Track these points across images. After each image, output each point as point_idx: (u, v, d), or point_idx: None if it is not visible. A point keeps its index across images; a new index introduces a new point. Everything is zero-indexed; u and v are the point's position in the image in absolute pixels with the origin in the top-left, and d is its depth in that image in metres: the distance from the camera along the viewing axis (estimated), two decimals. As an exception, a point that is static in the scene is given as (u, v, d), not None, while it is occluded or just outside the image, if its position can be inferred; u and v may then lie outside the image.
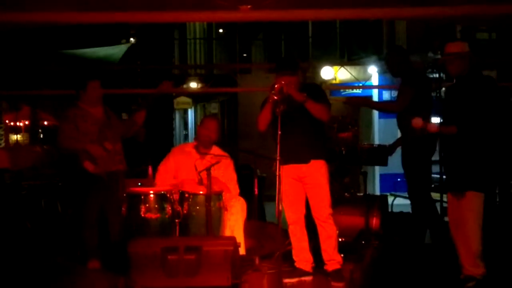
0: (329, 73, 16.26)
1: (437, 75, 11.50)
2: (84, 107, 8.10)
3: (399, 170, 8.73)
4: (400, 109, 8.45)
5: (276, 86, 7.07)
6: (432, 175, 8.73)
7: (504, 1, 7.75)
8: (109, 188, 7.91)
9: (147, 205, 7.43)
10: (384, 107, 10.29)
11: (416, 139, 7.78)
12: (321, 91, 7.67)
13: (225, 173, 8.10)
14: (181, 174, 8.09)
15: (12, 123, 23.73)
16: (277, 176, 6.97)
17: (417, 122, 6.90)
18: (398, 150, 8.96)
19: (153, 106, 8.33)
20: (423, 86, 8.55)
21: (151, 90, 13.68)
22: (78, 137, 7.92)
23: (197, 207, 7.53)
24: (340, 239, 7.86)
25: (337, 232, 7.59)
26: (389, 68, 8.98)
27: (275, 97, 7.02)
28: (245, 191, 8.33)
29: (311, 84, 8.22)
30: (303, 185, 7.47)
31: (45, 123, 24.10)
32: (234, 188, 8.21)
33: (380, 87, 17.62)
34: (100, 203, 8.00)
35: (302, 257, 7.58)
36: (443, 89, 10.17)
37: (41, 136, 23.59)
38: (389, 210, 9.69)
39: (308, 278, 7.53)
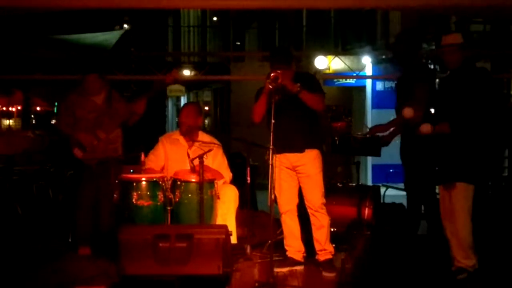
0: (323, 62, 16.19)
1: (431, 66, 11.50)
2: (85, 93, 8.16)
3: (392, 161, 8.74)
4: (421, 114, 8.26)
5: (272, 74, 7.05)
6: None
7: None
8: (101, 175, 7.91)
9: (139, 192, 7.38)
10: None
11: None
12: (315, 81, 7.65)
13: (215, 159, 8.06)
14: (171, 163, 8.05)
15: (4, 108, 23.67)
16: (270, 165, 6.96)
17: (408, 112, 6.86)
18: (393, 142, 8.96)
19: (154, 96, 8.32)
20: (430, 78, 8.45)
21: (146, 76, 13.68)
22: (73, 123, 8.04)
23: (189, 195, 7.50)
24: (332, 229, 7.85)
25: (330, 222, 7.59)
26: (399, 51, 8.65)
27: (271, 86, 7.00)
28: (237, 180, 8.30)
29: (305, 73, 8.18)
30: (297, 174, 7.46)
31: (38, 108, 24.07)
32: (227, 173, 8.17)
33: (374, 77, 17.58)
34: (94, 189, 8.01)
35: (294, 247, 7.57)
36: (437, 80, 10.17)
37: (33, 121, 23.55)
38: (382, 200, 9.68)
39: (300, 268, 7.53)
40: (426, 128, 6.81)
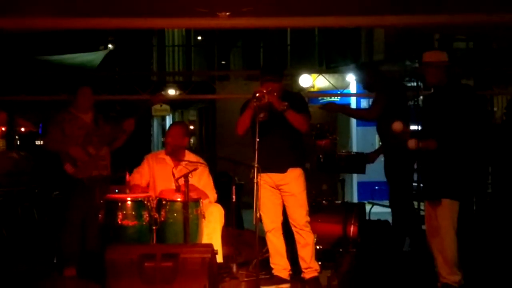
0: (308, 81, 16.27)
1: (415, 84, 11.55)
2: (74, 112, 8.20)
3: (377, 178, 8.77)
4: (373, 116, 8.62)
5: (257, 94, 7.08)
6: (410, 184, 8.78)
7: (482, 10, 7.80)
8: (90, 193, 7.88)
9: (124, 212, 7.36)
10: (358, 114, 10.61)
11: (398, 147, 7.79)
12: (303, 102, 7.68)
13: (201, 179, 8.06)
14: (157, 182, 8.05)
15: (-12, 130, 23.52)
16: (255, 184, 6.97)
17: (398, 126, 6.89)
18: (378, 159, 9.03)
19: (143, 115, 8.35)
20: (397, 94, 8.66)
21: (131, 96, 13.69)
22: (62, 140, 8.00)
23: (175, 214, 7.48)
24: (317, 247, 7.87)
25: (315, 239, 7.59)
26: (362, 85, 9.17)
27: (255, 104, 7.04)
28: (223, 198, 8.30)
29: (293, 93, 8.25)
30: (281, 193, 7.47)
31: (22, 129, 23.96)
32: (212, 193, 8.17)
33: (358, 95, 17.63)
34: (82, 208, 7.98)
35: (280, 265, 7.57)
36: (421, 97, 10.26)
37: (18, 142, 23.44)
38: (367, 218, 9.70)
39: (286, 286, 7.53)
40: (412, 143, 6.83)
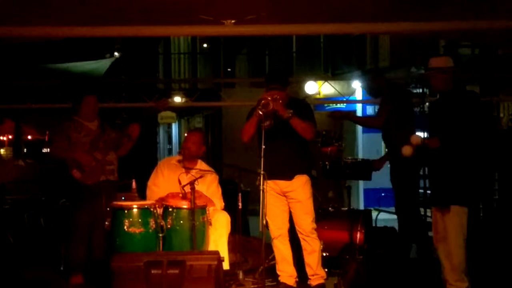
0: (313, 87, 16.26)
1: (421, 90, 11.56)
2: (80, 120, 8.20)
3: (383, 185, 8.77)
4: (380, 124, 8.63)
5: (262, 101, 7.10)
6: (416, 190, 8.78)
7: (487, 16, 7.80)
8: (97, 200, 7.87)
9: (131, 219, 7.37)
10: (365, 122, 10.68)
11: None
12: (309, 109, 7.69)
13: (209, 188, 8.06)
14: (167, 188, 8.04)
15: (-5, 138, 23.55)
16: (261, 191, 6.98)
17: (416, 139, 6.87)
18: (384, 166, 9.03)
19: (146, 121, 8.34)
20: (401, 100, 8.67)
21: (137, 104, 13.70)
22: (69, 147, 8.01)
23: (181, 222, 7.49)
24: (324, 254, 7.85)
25: (321, 246, 7.59)
26: (367, 92, 9.21)
27: (261, 112, 7.05)
28: (229, 206, 8.30)
29: (299, 100, 8.26)
30: (287, 200, 7.47)
31: (29, 137, 23.99)
32: (219, 202, 8.17)
33: (364, 101, 17.64)
34: (89, 215, 7.97)
35: (286, 272, 7.57)
36: (427, 104, 10.26)
37: (25, 150, 23.48)
38: (373, 224, 9.69)
39: (292, 293, 7.53)
40: (406, 150, 6.83)
